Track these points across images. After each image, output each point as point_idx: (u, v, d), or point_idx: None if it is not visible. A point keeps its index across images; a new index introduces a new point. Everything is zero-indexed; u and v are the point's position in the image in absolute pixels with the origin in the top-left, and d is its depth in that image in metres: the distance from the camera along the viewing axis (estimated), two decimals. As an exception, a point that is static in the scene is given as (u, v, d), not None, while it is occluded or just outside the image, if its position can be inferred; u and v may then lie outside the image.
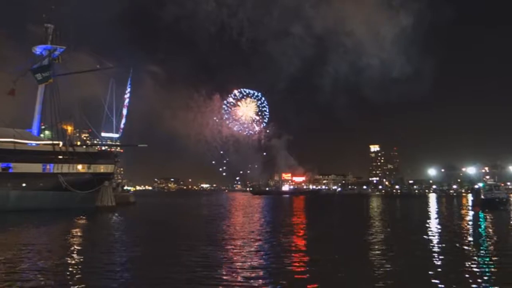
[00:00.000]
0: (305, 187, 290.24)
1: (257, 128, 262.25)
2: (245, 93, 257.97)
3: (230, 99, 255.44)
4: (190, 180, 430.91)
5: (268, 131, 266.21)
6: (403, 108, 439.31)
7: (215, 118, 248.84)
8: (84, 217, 51.13)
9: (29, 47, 77.16)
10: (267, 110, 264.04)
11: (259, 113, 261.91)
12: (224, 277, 17.47)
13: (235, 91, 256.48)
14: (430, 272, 18.14)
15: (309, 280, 17.13)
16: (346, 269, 19.53)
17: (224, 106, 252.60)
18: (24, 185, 66.05)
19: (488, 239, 30.59)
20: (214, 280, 16.93)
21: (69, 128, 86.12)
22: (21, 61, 76.69)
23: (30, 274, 17.83)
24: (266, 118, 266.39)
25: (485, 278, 17.31)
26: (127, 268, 19.54)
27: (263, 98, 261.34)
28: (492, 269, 19.21)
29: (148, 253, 23.73)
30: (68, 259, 21.60)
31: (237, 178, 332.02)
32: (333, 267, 19.91)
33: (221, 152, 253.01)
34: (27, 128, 75.31)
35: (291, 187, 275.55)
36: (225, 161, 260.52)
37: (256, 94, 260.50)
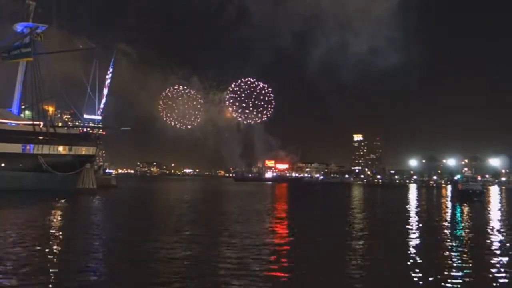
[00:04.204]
0: (288, 174, 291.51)
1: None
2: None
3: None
4: (173, 164, 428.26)
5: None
6: (388, 98, 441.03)
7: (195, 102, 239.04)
8: (63, 200, 50.43)
9: (9, 24, 75.09)
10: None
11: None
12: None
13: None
14: (407, 264, 18.52)
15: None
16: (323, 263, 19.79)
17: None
18: (2, 165, 64.89)
19: (460, 233, 31.29)
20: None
21: (51, 109, 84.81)
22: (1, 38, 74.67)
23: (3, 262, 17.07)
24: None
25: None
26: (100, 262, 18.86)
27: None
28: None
29: (122, 247, 22.32)
30: (38, 247, 20.47)
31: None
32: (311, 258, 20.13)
33: (201, 136, 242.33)
34: (6, 107, 73.75)
35: (274, 174, 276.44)
36: (204, 145, 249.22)
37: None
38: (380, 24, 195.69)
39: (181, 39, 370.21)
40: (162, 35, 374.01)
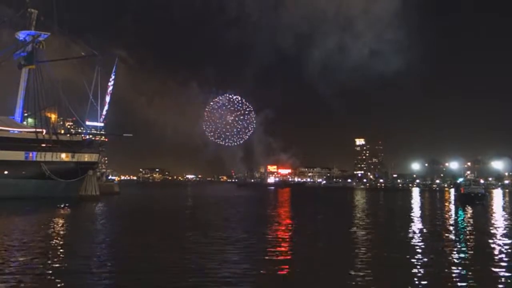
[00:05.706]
0: (290, 179, 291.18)
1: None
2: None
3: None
4: (175, 170, 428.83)
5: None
6: (388, 99, 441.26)
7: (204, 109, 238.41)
8: (66, 207, 50.49)
9: (11, 32, 75.59)
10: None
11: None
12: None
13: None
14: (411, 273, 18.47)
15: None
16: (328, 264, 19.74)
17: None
18: (6, 173, 65.05)
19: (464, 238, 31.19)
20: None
21: (53, 116, 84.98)
22: (2, 46, 75.18)
23: (6, 269, 16.98)
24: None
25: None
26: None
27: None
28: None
29: (124, 253, 22.45)
30: (40, 254, 20.52)
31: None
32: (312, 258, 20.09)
33: (202, 140, 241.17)
34: (9, 115, 74.02)
35: (277, 179, 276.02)
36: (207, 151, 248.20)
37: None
38: (381, 25, 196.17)
39: (181, 40, 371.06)
40: (161, 36, 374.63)
